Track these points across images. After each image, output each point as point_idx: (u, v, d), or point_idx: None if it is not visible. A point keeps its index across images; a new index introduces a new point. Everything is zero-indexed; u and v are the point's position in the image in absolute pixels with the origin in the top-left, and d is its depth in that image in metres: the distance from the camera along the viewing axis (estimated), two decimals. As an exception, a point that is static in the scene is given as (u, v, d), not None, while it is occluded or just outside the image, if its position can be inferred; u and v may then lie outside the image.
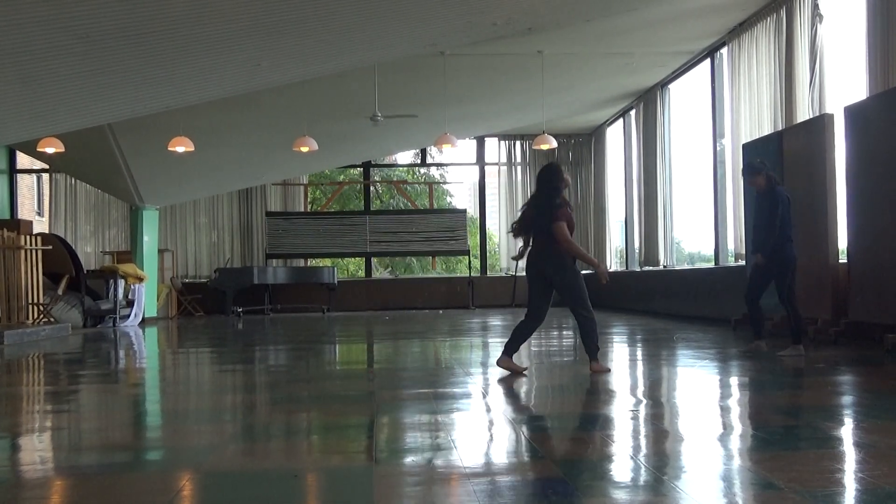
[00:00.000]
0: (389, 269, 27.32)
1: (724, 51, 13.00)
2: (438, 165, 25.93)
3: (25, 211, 23.64)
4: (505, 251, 20.87)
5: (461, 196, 31.04)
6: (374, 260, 22.02)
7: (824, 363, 7.26)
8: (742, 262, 11.42)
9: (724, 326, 11.14)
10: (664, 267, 15.63)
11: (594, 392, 5.87)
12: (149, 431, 5.00)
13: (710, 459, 3.67)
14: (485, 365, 7.41)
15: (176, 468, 3.80)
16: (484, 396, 5.74)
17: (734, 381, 6.46)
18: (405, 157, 24.51)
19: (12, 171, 20.56)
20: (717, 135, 13.58)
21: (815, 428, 4.31)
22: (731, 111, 12.46)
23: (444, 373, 7.23)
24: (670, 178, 15.66)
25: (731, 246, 12.87)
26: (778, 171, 9.77)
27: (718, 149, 13.49)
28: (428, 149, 22.47)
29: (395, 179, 24.87)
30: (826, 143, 9.03)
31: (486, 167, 21.44)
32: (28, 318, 13.69)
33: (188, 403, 6.25)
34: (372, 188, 23.45)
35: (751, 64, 11.85)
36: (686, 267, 16.36)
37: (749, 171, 7.93)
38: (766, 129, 11.08)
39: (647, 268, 16.33)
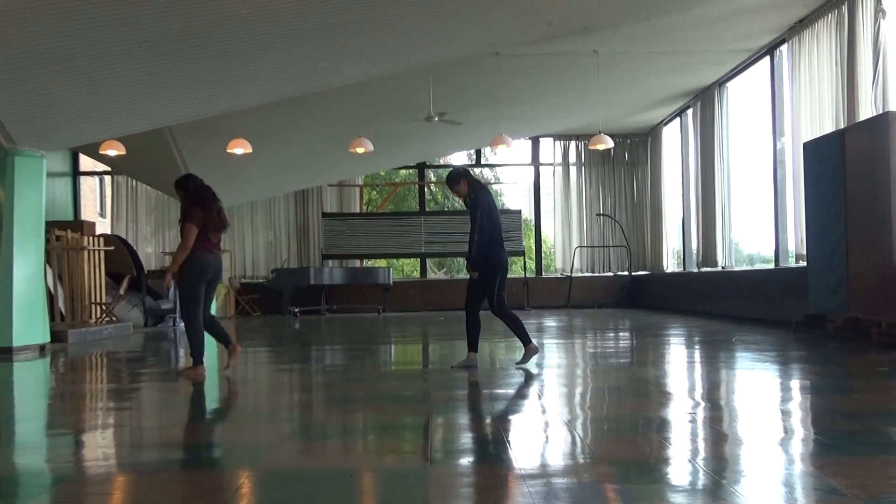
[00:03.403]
0: (444, 269, 27.37)
1: (784, 48, 12.78)
2: (493, 166, 25.88)
3: (88, 212, 24.10)
4: (560, 252, 20.77)
5: (515, 196, 30.95)
6: (428, 260, 22.08)
7: (889, 366, 7.10)
8: (803, 264, 11.22)
9: (785, 328, 10.95)
10: (723, 268, 15.42)
11: (651, 395, 5.81)
12: (208, 429, 5.07)
13: (770, 464, 3.61)
14: (540, 366, 7.38)
15: (234, 466, 3.85)
16: (539, 398, 5.72)
17: (795, 384, 6.35)
18: (460, 157, 24.52)
19: (75, 173, 21.02)
20: (776, 133, 13.36)
21: (880, 433, 4.21)
22: (792, 109, 12.25)
23: (499, 373, 7.21)
24: (728, 178, 15.45)
25: (791, 247, 12.65)
26: (839, 171, 9.60)
27: (778, 148, 13.27)
28: (483, 149, 22.45)
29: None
30: (889, 141, 8.82)
31: (541, 168, 21.36)
32: (91, 318, 13.99)
33: (246, 402, 6.33)
34: (427, 189, 23.50)
35: (811, 61, 11.63)
36: (745, 268, 16.11)
37: (450, 179, 7.57)
38: (828, 128, 10.87)
39: (704, 269, 16.13)
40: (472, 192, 7.42)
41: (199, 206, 7.21)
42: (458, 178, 7.50)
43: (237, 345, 7.57)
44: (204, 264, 7.18)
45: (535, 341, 7.58)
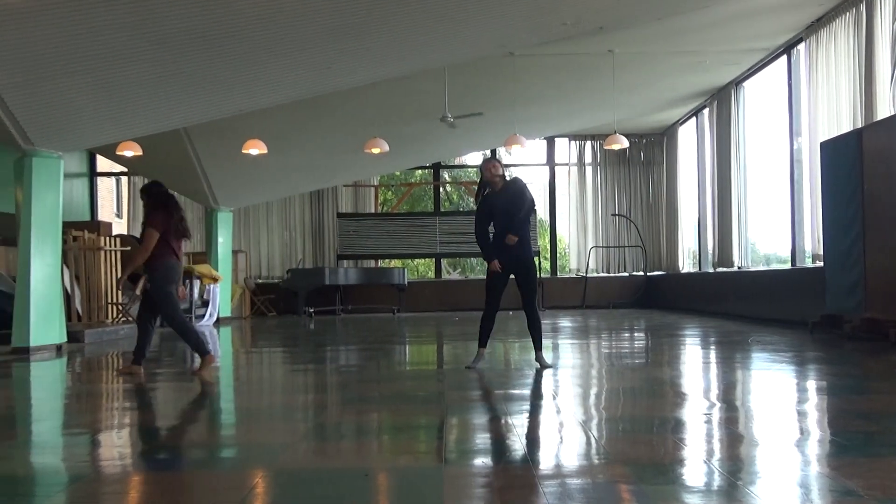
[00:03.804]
0: (459, 269, 27.37)
1: (802, 47, 12.71)
2: (508, 166, 25.85)
3: (105, 213, 24.24)
4: (575, 252, 20.72)
5: (531, 197, 30.82)
6: (443, 261, 22.09)
7: (906, 367, 7.05)
8: (820, 264, 11.16)
9: (802, 329, 10.89)
10: (739, 268, 15.35)
11: (666, 395, 5.79)
12: (223, 429, 5.09)
13: (787, 465, 3.59)
14: (554, 366, 7.36)
15: (249, 466, 3.86)
16: (554, 398, 5.71)
17: (812, 384, 6.31)
18: (475, 157, 24.50)
19: (92, 174, 21.13)
20: (793, 133, 13.29)
21: (897, 434, 4.18)
22: (809, 109, 12.19)
23: (514, 374, 7.20)
24: (745, 178, 15.37)
25: (808, 247, 12.58)
26: (857, 170, 9.54)
27: (795, 147, 13.20)
28: (497, 149, 22.43)
29: (464, 180, 24.88)
30: (908, 140, 8.76)
31: (556, 168, 21.32)
32: (107, 318, 14.06)
33: (261, 402, 6.35)
34: (442, 189, 23.51)
35: (829, 60, 11.56)
36: (761, 268, 16.04)
37: (487, 159, 7.74)
38: (845, 127, 10.81)
39: (720, 269, 16.06)
40: (513, 183, 7.49)
41: (161, 211, 7.56)
42: (499, 161, 7.63)
43: (140, 369, 7.61)
44: (172, 270, 7.60)
45: (544, 353, 7.49)
